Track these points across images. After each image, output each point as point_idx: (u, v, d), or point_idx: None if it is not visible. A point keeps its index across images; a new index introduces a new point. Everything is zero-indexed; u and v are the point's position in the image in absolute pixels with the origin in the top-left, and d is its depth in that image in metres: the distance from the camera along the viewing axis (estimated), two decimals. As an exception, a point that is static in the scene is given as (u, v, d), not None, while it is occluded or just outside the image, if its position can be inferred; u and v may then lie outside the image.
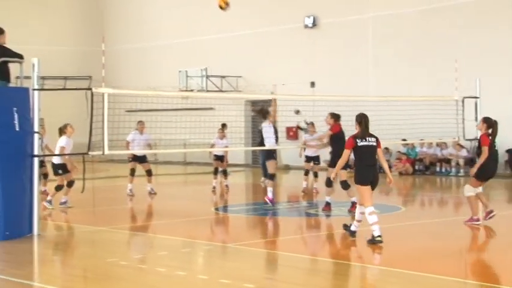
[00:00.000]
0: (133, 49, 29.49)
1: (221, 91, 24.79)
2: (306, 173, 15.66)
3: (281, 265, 7.90)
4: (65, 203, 12.58)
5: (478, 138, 10.43)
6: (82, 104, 11.15)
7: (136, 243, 9.73)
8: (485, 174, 10.25)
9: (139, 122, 15.06)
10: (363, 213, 8.84)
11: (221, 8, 11.21)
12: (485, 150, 10.07)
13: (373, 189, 8.85)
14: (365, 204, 8.74)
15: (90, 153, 10.23)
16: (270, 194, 12.65)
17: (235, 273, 7.46)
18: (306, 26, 24.05)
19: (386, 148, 21.53)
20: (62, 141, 12.43)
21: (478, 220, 10.24)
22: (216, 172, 16.19)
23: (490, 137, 10.19)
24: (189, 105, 23.07)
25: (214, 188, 16.03)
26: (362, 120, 8.89)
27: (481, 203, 10.50)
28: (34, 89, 9.59)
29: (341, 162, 9.17)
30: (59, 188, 12.53)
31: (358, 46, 22.89)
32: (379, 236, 8.51)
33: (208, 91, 24.39)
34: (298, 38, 24.28)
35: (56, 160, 12.44)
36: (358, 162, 8.87)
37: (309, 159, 15.58)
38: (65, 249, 8.66)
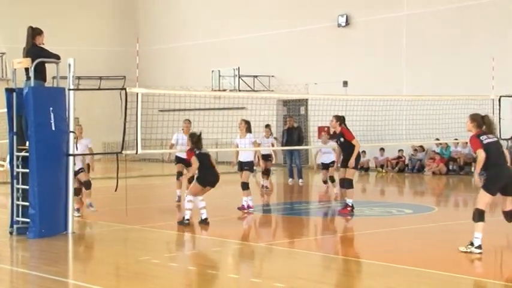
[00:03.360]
0: (167, 49, 29.72)
1: (253, 91, 24.84)
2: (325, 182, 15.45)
3: (312, 265, 7.88)
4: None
5: None
6: (116, 103, 11.26)
7: (167, 242, 9.80)
8: None
9: (186, 120, 13.98)
10: (190, 201, 10.42)
11: None
12: None
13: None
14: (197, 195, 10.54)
15: (123, 152, 10.36)
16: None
17: (266, 273, 7.47)
18: (339, 25, 23.92)
19: (421, 146, 21.30)
20: None
21: None
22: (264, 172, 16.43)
23: None
24: (221, 105, 23.17)
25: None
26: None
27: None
28: (70, 89, 9.74)
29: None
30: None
31: (392, 45, 22.68)
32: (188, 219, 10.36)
33: (240, 91, 24.47)
34: (331, 37, 24.16)
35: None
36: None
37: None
38: (98, 247, 8.78)
